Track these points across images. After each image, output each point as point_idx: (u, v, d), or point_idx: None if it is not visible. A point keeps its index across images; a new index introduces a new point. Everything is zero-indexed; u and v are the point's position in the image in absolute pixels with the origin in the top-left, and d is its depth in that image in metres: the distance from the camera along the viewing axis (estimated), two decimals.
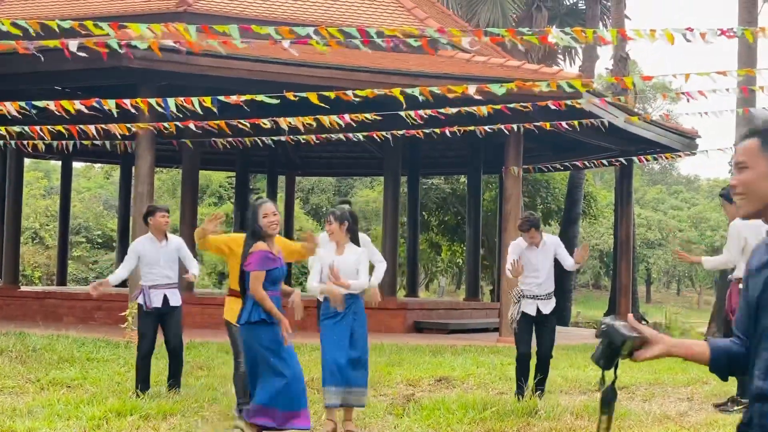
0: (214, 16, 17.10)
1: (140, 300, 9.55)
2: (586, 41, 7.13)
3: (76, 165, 51.85)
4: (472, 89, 8.80)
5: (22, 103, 8.31)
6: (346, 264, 7.89)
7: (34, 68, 14.00)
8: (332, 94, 8.99)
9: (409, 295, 25.81)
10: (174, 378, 9.58)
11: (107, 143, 14.63)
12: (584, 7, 31.78)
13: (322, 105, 9.22)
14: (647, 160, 21.93)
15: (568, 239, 29.86)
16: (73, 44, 6.76)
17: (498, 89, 8.71)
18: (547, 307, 9.68)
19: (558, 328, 25.14)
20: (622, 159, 20.37)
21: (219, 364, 11.80)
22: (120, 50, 8.69)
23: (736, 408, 9.07)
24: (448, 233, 34.11)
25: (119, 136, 11.88)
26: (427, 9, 20.91)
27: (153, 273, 9.49)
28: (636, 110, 16.30)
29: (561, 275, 30.23)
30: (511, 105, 10.49)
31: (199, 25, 7.00)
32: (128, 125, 12.82)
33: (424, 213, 33.21)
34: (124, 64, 14.03)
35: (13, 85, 16.37)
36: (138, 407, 8.50)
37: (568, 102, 11.94)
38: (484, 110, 10.08)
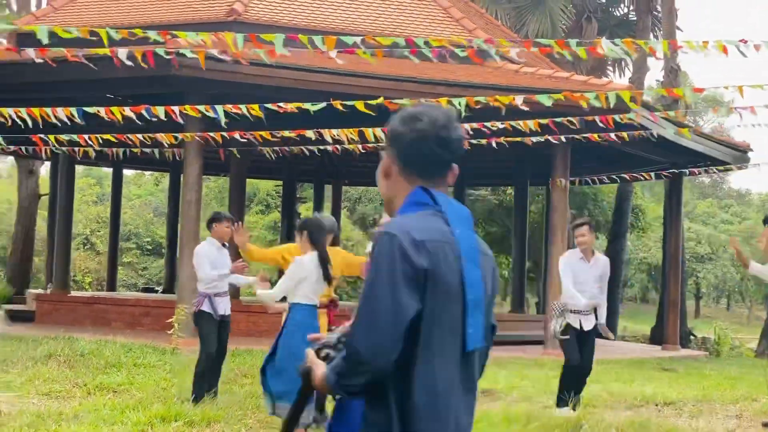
0: (263, 26, 17.19)
1: (205, 307, 9.43)
2: (637, 53, 7.06)
3: (127, 172, 52.58)
4: (519, 100, 8.75)
5: (73, 110, 8.40)
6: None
7: (83, 76, 14.14)
8: (377, 101, 8.97)
9: None
10: (215, 385, 9.60)
11: (155, 151, 14.74)
12: (635, 19, 31.52)
13: (370, 113, 9.22)
14: (697, 173, 21.65)
15: (616, 253, 29.60)
16: (122, 52, 6.82)
17: (546, 100, 8.66)
18: (588, 323, 9.59)
19: (604, 342, 24.88)
20: (668, 172, 20.13)
21: None
22: (166, 57, 8.79)
23: None
24: (494, 245, 33.94)
25: (166, 144, 11.95)
26: (476, 20, 20.87)
27: (219, 281, 9.43)
28: (686, 123, 16.10)
29: (609, 288, 29.89)
30: (558, 119, 10.40)
31: (247, 34, 7.03)
32: (175, 134, 12.97)
33: None
34: (171, 72, 14.13)
35: (65, 92, 16.56)
36: (182, 413, 8.54)
37: (616, 117, 11.87)
38: (530, 124, 10.01)
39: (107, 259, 26.80)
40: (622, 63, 31.71)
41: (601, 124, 10.34)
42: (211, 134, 13.24)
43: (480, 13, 23.55)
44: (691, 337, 28.43)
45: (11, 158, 32.92)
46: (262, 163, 21.58)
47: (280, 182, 30.71)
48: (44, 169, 31.19)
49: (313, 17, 19.02)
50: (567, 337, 9.62)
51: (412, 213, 2.83)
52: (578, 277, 9.54)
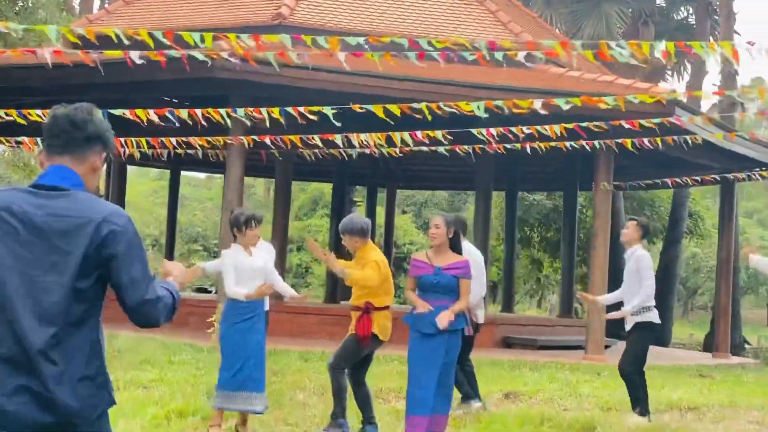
0: (309, 29, 17.38)
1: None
2: (644, 58, 7.05)
3: (200, 175, 53.27)
4: (537, 104, 8.78)
5: (100, 111, 8.63)
6: (255, 265, 8.01)
7: (132, 77, 14.47)
8: (396, 109, 9.07)
9: (504, 311, 25.70)
10: None
11: (199, 152, 14.99)
12: (694, 23, 31.15)
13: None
14: (748, 179, 21.32)
15: (670, 259, 29.29)
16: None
17: (563, 104, 8.68)
18: (628, 323, 9.51)
19: (655, 348, 24.58)
20: (717, 178, 19.87)
21: (293, 371, 12.00)
22: (207, 60, 8.99)
23: None
24: (549, 249, 33.80)
25: (202, 146, 12.19)
26: (524, 23, 20.83)
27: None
28: (730, 127, 15.93)
29: (663, 294, 29.60)
30: (584, 124, 10.39)
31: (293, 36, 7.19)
32: (220, 138, 13.21)
33: (525, 229, 33.00)
34: (215, 75, 14.41)
35: (122, 93, 16.86)
36: (200, 408, 8.73)
37: (655, 120, 11.76)
38: (556, 129, 10.03)
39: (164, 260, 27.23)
40: (680, 68, 31.38)
41: (627, 126, 10.28)
42: (254, 137, 13.45)
43: (531, 17, 23.49)
44: (746, 345, 28.00)
45: None
46: (310, 166, 21.76)
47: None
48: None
49: (359, 20, 19.18)
50: None
51: None
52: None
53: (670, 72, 32.66)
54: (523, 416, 8.90)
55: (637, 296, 9.37)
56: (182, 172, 27.68)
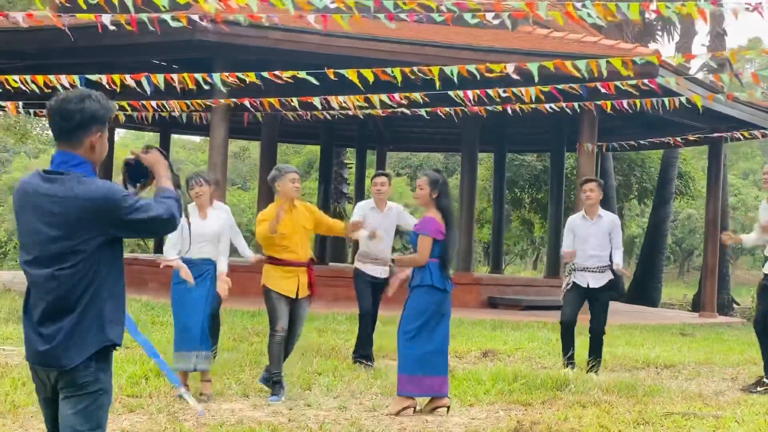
0: None
1: None
2: (612, 18, 7.09)
3: (195, 138, 53.16)
4: (510, 68, 8.83)
5: (75, 77, 8.70)
6: (209, 228, 8.02)
7: (117, 41, 14.45)
8: (370, 74, 9.10)
9: (493, 272, 25.86)
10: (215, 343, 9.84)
11: (183, 115, 15.02)
12: None
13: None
14: (735, 139, 21.37)
15: (660, 220, 29.41)
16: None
17: (535, 69, 8.73)
18: (599, 281, 9.61)
19: (643, 308, 24.76)
20: (699, 137, 19.91)
21: None
22: (179, 23, 8.99)
23: (760, 389, 8.95)
24: (540, 210, 33.91)
25: (182, 109, 12.22)
26: None
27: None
28: (720, 88, 15.96)
29: (652, 255, 29.66)
30: (560, 86, 10.41)
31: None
32: (200, 101, 13.24)
33: (516, 190, 33.09)
34: (197, 37, 14.41)
35: (107, 57, 16.81)
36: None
37: (631, 82, 11.78)
38: (531, 91, 10.08)
39: None
40: (670, 28, 31.28)
41: (603, 90, 10.31)
42: (233, 99, 13.47)
43: None
44: (735, 305, 28.17)
45: None
46: (296, 127, 21.81)
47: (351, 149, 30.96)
48: None
49: None
50: (562, 296, 9.74)
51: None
52: (579, 235, 9.64)
53: (660, 32, 32.60)
54: (497, 373, 9.01)
55: (617, 253, 9.58)
56: (176, 136, 27.66)
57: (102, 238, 3.56)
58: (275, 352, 7.99)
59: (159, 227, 3.66)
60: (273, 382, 7.94)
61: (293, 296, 7.96)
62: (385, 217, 9.71)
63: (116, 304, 3.65)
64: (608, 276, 9.63)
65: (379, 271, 9.80)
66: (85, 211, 3.52)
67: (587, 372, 9.25)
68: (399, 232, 11.86)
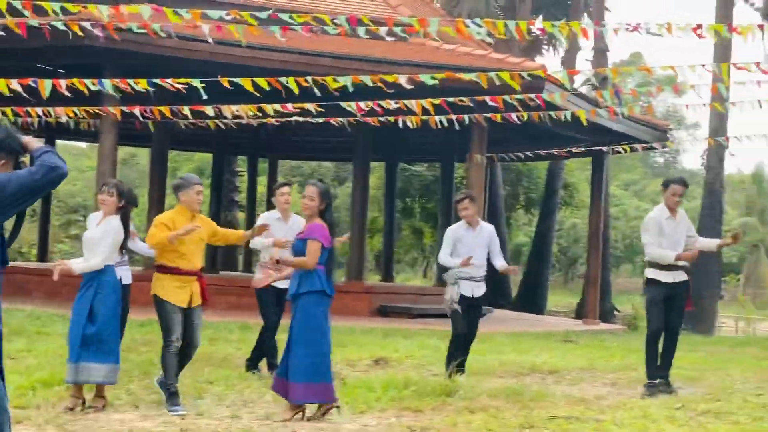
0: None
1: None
2: (499, 36, 7.32)
3: (81, 145, 52.12)
4: (403, 79, 9.00)
5: None
6: (89, 235, 8.01)
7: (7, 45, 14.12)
8: (264, 83, 9.16)
9: (384, 280, 26.06)
10: None
11: (71, 122, 14.76)
12: None
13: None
14: (617, 152, 22.10)
15: (546, 229, 30.12)
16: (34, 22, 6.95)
17: (428, 80, 8.92)
18: (479, 290, 9.89)
19: (530, 316, 25.28)
20: (582, 150, 20.53)
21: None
22: (68, 30, 8.89)
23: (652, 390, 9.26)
24: (430, 220, 34.34)
25: (69, 116, 12.05)
26: None
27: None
28: (602, 103, 16.46)
29: (538, 264, 30.31)
30: (450, 99, 10.65)
31: (111, 7, 7.22)
32: (89, 108, 13.04)
33: (407, 199, 33.46)
34: (87, 43, 14.19)
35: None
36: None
37: (519, 96, 12.12)
38: (423, 104, 10.27)
39: (38, 230, 26.69)
40: (555, 42, 32.10)
41: (492, 104, 10.58)
42: (123, 108, 13.32)
43: None
44: (615, 312, 29.03)
45: None
46: (189, 135, 21.65)
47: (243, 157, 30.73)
48: None
49: None
50: (458, 307, 9.94)
51: None
52: (463, 245, 9.85)
53: (546, 47, 33.41)
54: (389, 381, 9.15)
55: (500, 258, 9.91)
56: (61, 141, 27.09)
57: None
58: (170, 364, 7.94)
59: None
60: (169, 393, 7.89)
61: (186, 306, 7.95)
62: (290, 229, 9.71)
63: None
64: (485, 285, 9.99)
65: (285, 283, 9.83)
66: None
67: (457, 375, 9.50)
68: None
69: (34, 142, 4.31)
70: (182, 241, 7.89)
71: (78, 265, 7.93)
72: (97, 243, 7.87)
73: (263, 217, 10.15)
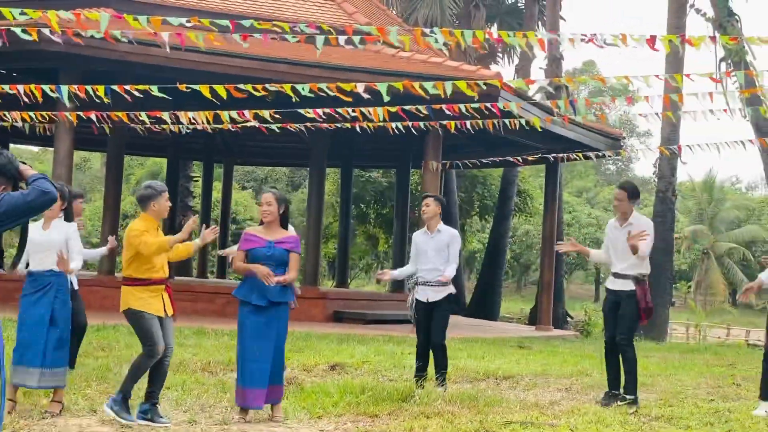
0: (141, 3, 17.22)
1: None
2: (455, 44, 7.43)
3: (32, 148, 51.70)
4: (360, 88, 9.09)
5: None
6: (50, 240, 7.99)
7: None
8: (222, 90, 9.21)
9: (339, 286, 26.13)
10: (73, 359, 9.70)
11: (26, 126, 14.68)
12: (523, 7, 32.20)
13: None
14: (571, 159, 22.37)
15: (500, 235, 30.37)
16: None
17: (384, 89, 9.01)
18: (436, 295, 9.84)
19: (483, 322, 25.44)
20: (537, 157, 20.76)
21: (122, 346, 12.00)
22: (28, 36, 8.87)
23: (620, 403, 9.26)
24: (385, 226, 34.47)
25: (24, 119, 11.99)
26: (359, 3, 21.16)
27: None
28: (556, 112, 16.66)
29: (491, 270, 30.52)
30: (407, 107, 10.75)
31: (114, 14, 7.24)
32: (45, 113, 12.98)
33: (361, 205, 33.55)
34: (44, 48, 14.12)
35: None
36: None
37: (474, 105, 12.27)
38: (380, 111, 10.37)
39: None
40: (510, 50, 32.40)
41: (448, 112, 10.70)
42: (79, 113, 13.29)
43: None
44: (568, 319, 29.35)
45: None
46: (144, 140, 21.55)
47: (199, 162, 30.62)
48: None
49: None
50: (412, 313, 9.97)
51: None
52: (418, 249, 9.90)
53: (501, 55, 33.70)
54: (345, 386, 9.22)
55: (449, 267, 9.82)
56: (14, 145, 26.83)
57: None
58: (143, 372, 7.89)
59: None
60: (124, 398, 7.82)
61: (163, 314, 7.93)
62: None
63: None
64: (448, 289, 9.90)
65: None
66: None
67: (436, 387, 9.48)
68: None
69: (30, 170, 4.75)
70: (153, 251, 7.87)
71: (76, 264, 8.09)
72: (58, 246, 7.90)
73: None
